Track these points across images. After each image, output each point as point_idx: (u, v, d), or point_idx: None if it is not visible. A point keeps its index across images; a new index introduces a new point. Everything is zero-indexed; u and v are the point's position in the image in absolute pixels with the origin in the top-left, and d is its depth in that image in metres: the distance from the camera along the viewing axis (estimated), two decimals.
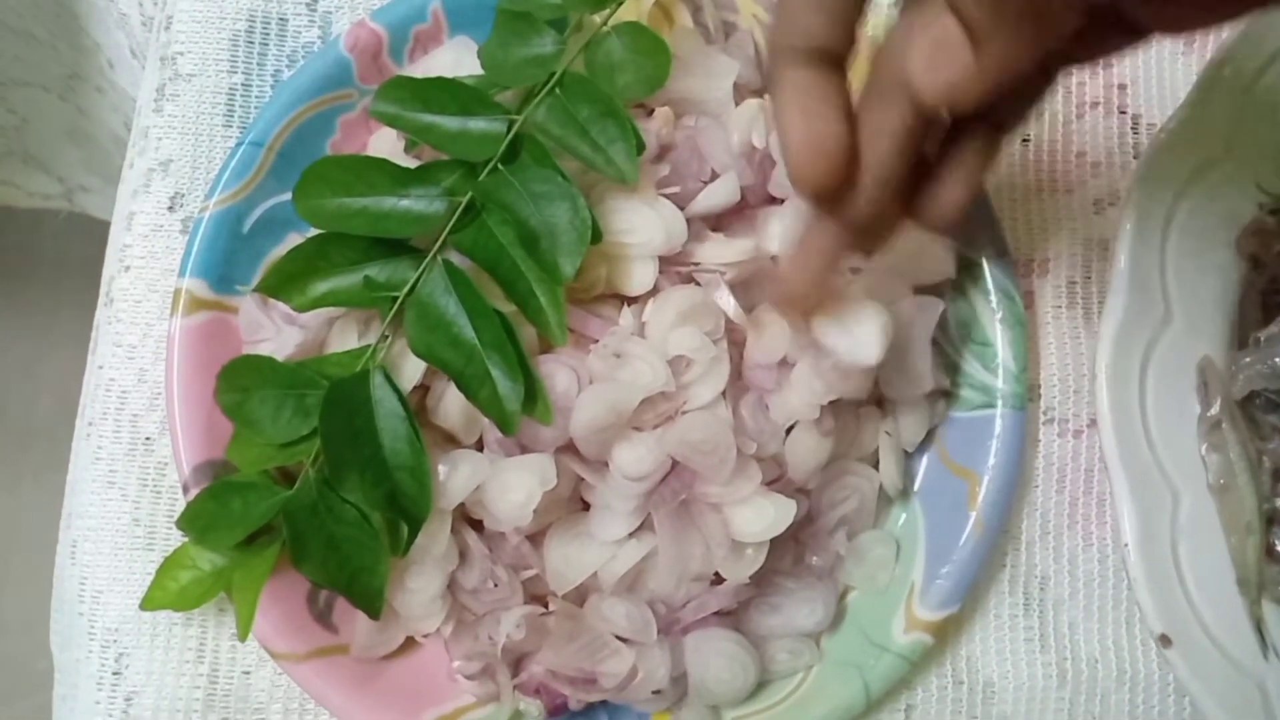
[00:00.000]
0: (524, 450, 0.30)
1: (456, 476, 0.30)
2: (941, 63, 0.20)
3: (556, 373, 0.30)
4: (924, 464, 0.34)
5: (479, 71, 0.34)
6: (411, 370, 0.30)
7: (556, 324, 0.29)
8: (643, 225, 0.31)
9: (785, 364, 0.30)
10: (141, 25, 0.39)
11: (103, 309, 0.35)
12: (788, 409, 0.30)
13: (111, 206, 0.58)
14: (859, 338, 0.30)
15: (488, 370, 0.29)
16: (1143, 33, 0.23)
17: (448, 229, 0.30)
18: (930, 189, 0.25)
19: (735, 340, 0.32)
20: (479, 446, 0.31)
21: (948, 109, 0.21)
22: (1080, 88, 0.38)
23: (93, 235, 0.63)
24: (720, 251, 0.30)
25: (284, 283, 0.31)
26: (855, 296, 0.31)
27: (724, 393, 0.30)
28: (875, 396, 0.33)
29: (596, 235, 0.30)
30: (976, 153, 0.25)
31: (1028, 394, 0.34)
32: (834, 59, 0.23)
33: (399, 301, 0.30)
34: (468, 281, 0.30)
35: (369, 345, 0.30)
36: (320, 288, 0.30)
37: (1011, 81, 0.20)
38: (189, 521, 0.30)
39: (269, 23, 0.36)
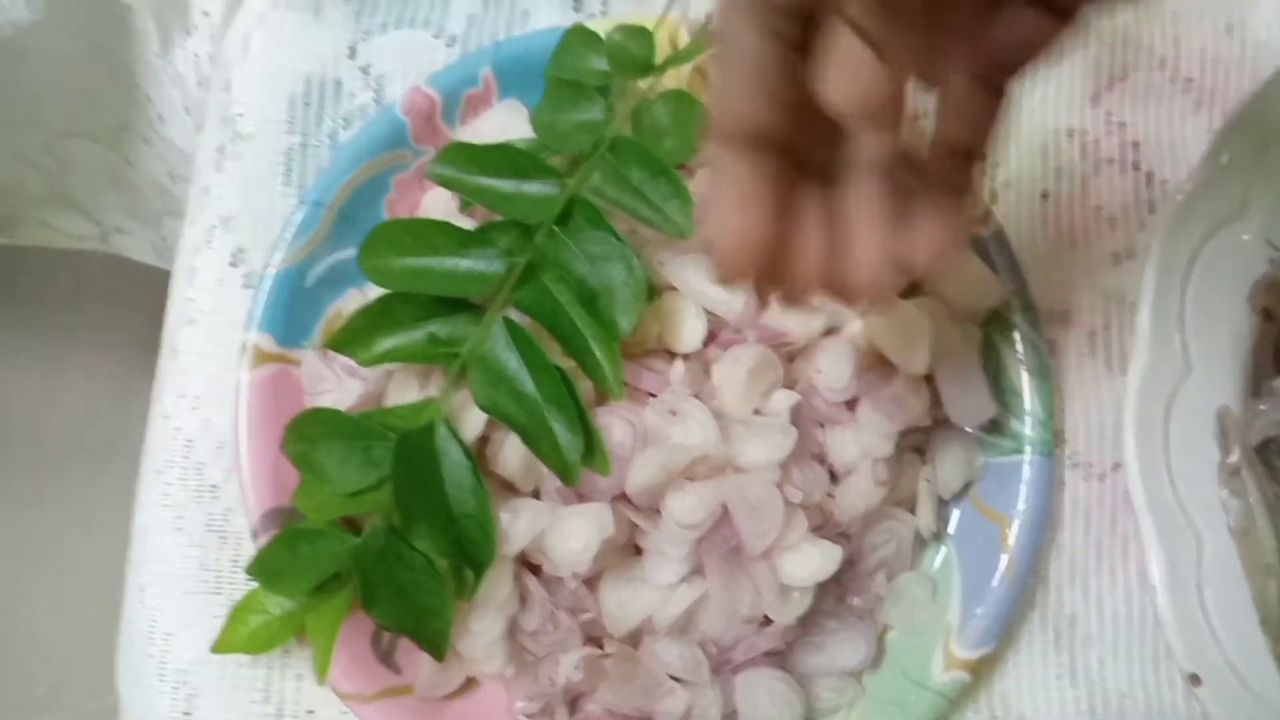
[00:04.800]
0: (581, 499, 0.32)
1: (518, 524, 0.31)
2: (851, 79, 0.20)
3: (613, 425, 0.31)
4: (957, 508, 0.36)
5: (528, 132, 0.36)
6: (473, 422, 0.32)
7: (613, 379, 0.31)
8: (698, 282, 0.32)
9: (848, 405, 0.33)
10: (197, 84, 0.40)
11: (167, 360, 0.36)
12: (858, 447, 0.32)
13: (147, 249, 0.60)
14: (908, 345, 0.33)
15: (549, 424, 0.31)
16: (1064, 10, 0.22)
17: (507, 287, 0.32)
18: (907, 234, 0.24)
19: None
20: (536, 493, 0.33)
21: (869, 123, 0.21)
22: (1096, 145, 0.40)
23: (114, 270, 0.64)
24: (784, 320, 0.32)
25: (351, 339, 0.32)
26: (903, 308, 0.33)
27: None
28: (915, 444, 0.35)
29: (651, 293, 0.32)
30: (950, 190, 0.24)
31: (1054, 440, 0.36)
32: (774, 144, 0.22)
33: (461, 357, 0.32)
34: (528, 338, 0.31)
35: (432, 398, 0.32)
36: (385, 344, 0.32)
37: (932, 82, 0.21)
38: (260, 568, 0.32)
39: (325, 86, 0.38)
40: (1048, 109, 0.40)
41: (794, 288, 0.24)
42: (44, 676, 0.96)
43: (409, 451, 0.31)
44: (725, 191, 0.23)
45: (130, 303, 0.97)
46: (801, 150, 0.23)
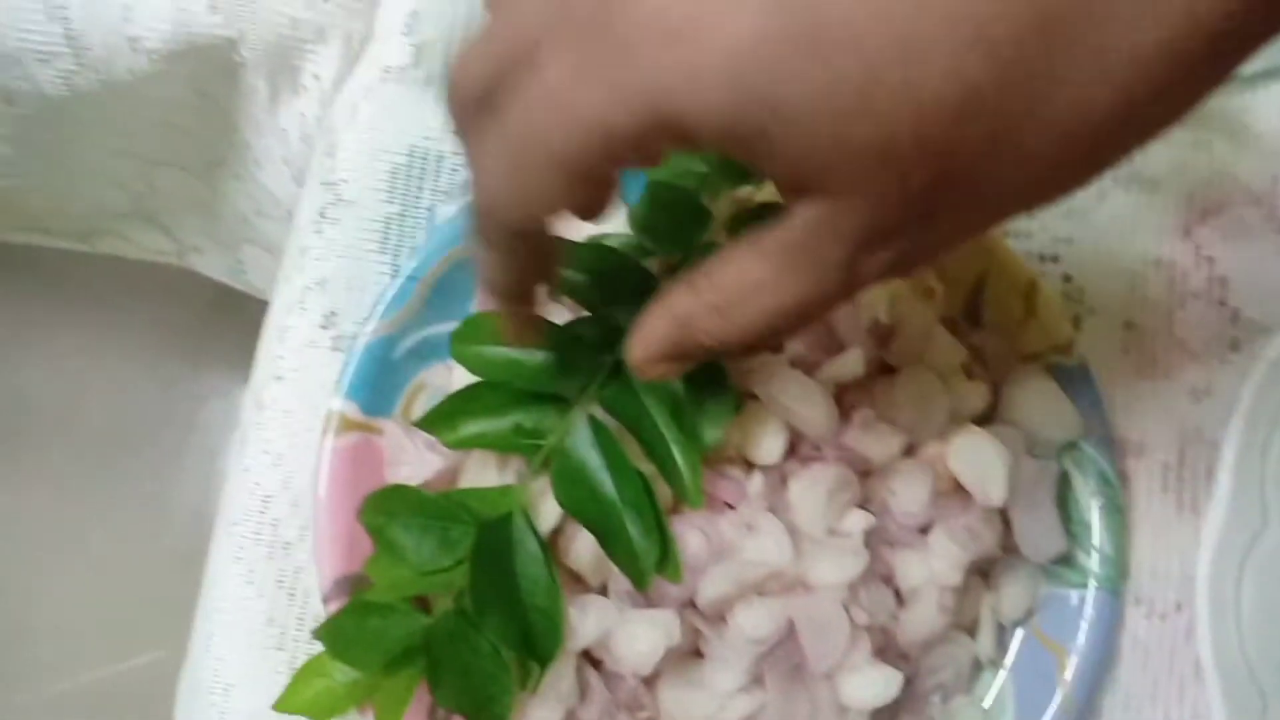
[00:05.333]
0: (650, 603, 0.32)
1: (586, 622, 0.32)
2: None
3: (688, 534, 0.32)
4: (1016, 634, 0.36)
5: (622, 222, 0.36)
6: (549, 513, 0.32)
7: (694, 489, 0.31)
8: (783, 395, 0.33)
9: (920, 530, 0.33)
10: (300, 140, 0.41)
11: (252, 414, 0.37)
12: (927, 572, 0.32)
13: (221, 269, 0.61)
14: (987, 475, 0.33)
15: (625, 527, 0.31)
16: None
17: (594, 385, 0.32)
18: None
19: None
20: (604, 589, 0.33)
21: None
22: (1184, 277, 0.40)
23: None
24: (864, 440, 0.32)
25: (438, 421, 0.33)
26: (982, 435, 0.33)
27: None
28: (980, 568, 0.35)
29: (739, 405, 0.32)
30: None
31: (1121, 577, 0.36)
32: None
33: (544, 450, 0.32)
34: (612, 439, 0.32)
35: (511, 486, 0.32)
36: (471, 429, 0.32)
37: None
38: (329, 636, 0.32)
39: (427, 158, 0.38)
40: (1137, 237, 0.40)
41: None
42: (64, 652, 0.98)
43: (487, 541, 0.31)
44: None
45: (168, 295, 0.99)
46: None
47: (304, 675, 0.33)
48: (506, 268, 0.27)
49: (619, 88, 0.20)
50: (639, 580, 0.31)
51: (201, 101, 0.42)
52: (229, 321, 0.95)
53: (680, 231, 0.34)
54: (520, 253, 0.26)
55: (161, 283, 0.89)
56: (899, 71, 0.18)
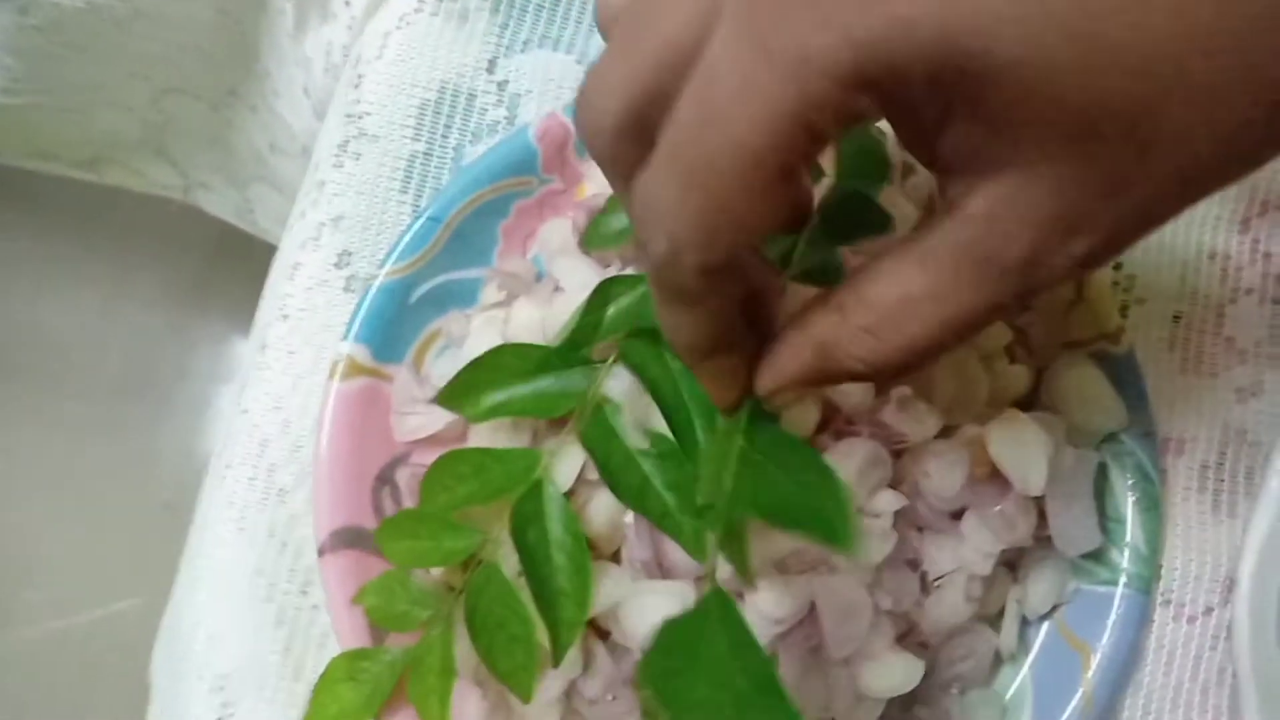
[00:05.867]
0: (665, 572, 0.31)
1: (599, 591, 0.30)
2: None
3: None
4: (1041, 630, 0.35)
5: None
6: (564, 477, 0.31)
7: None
8: None
9: (953, 515, 0.31)
10: (324, 71, 0.39)
11: (254, 354, 0.35)
12: (956, 560, 0.31)
13: (229, 208, 0.59)
14: (1026, 463, 0.31)
15: (658, 492, 0.29)
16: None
17: (607, 367, 0.31)
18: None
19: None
20: (616, 556, 0.32)
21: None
22: (1237, 272, 0.38)
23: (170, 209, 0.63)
24: (900, 417, 0.31)
25: (458, 395, 0.31)
26: (1024, 421, 0.31)
27: None
28: (1008, 558, 0.34)
29: None
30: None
31: (1153, 578, 0.34)
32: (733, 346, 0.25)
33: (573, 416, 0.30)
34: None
35: (534, 450, 0.31)
36: (494, 398, 0.31)
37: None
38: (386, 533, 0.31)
39: (458, 96, 0.36)
40: (1192, 227, 0.38)
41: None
42: (47, 596, 0.97)
43: (523, 510, 0.30)
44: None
45: (185, 241, 0.97)
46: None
47: (324, 688, 0.31)
48: (705, 320, 0.23)
49: (816, 55, 0.18)
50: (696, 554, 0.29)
51: (223, 22, 0.40)
52: (232, 268, 0.94)
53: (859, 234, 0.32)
54: (721, 296, 0.22)
55: (165, 226, 0.87)
56: (1126, 15, 0.16)
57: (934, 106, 0.18)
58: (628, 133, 0.20)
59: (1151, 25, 0.17)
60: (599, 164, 0.22)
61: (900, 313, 0.21)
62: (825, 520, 0.23)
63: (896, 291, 0.21)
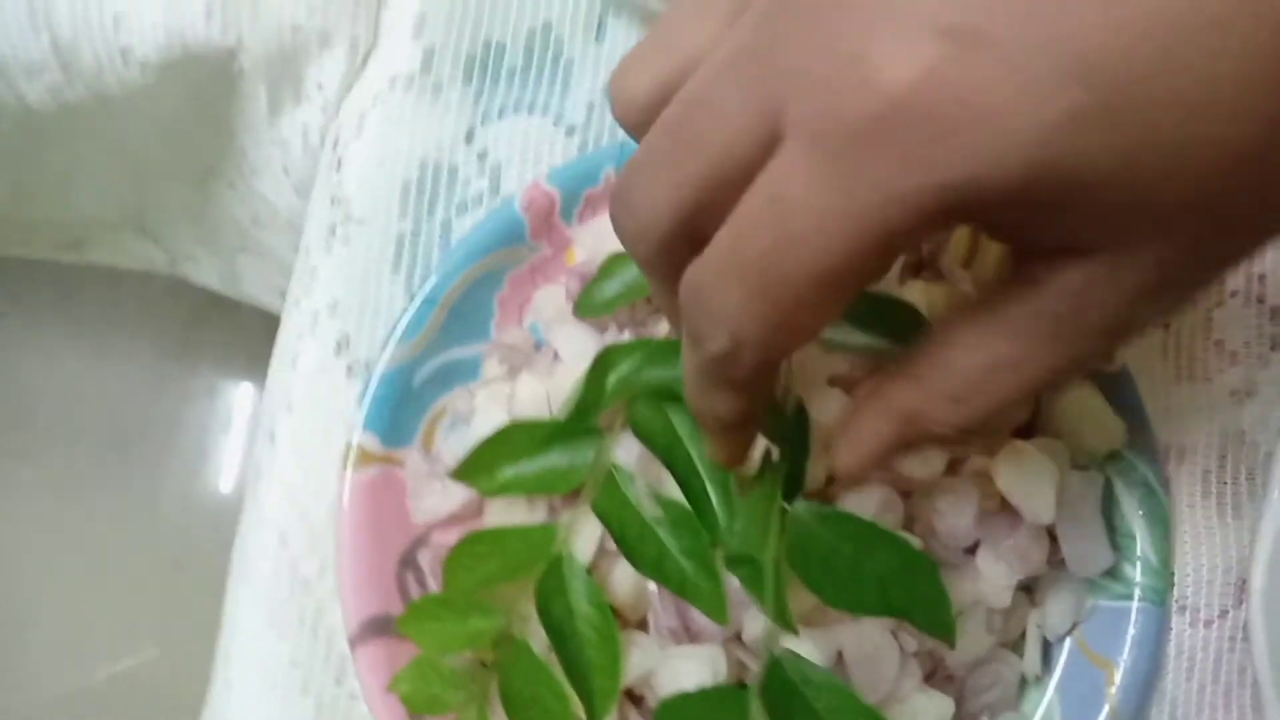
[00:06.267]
0: (692, 636, 0.31)
1: (630, 660, 0.30)
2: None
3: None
4: (1062, 649, 0.35)
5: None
6: (584, 548, 0.31)
7: (726, 524, 0.30)
8: (837, 420, 0.31)
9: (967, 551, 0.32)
10: (302, 152, 0.39)
11: (264, 447, 0.36)
12: (974, 594, 0.31)
13: (214, 277, 0.59)
14: (1035, 493, 0.32)
15: (674, 558, 0.30)
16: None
17: (618, 422, 0.31)
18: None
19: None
20: (643, 624, 0.32)
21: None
22: (1219, 281, 0.38)
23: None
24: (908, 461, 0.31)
25: (475, 470, 0.31)
26: (1029, 452, 0.32)
27: None
28: (1025, 583, 0.34)
29: None
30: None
31: (1167, 588, 0.35)
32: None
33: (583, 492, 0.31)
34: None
35: (551, 524, 0.31)
36: (507, 473, 0.31)
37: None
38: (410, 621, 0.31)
39: (439, 171, 0.37)
40: None
41: None
42: (59, 655, 0.97)
43: (546, 587, 0.30)
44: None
45: (166, 292, 0.97)
46: None
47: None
48: (745, 402, 0.24)
49: (899, 196, 0.18)
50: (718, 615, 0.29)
51: (196, 109, 0.40)
52: (219, 317, 0.93)
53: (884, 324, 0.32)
54: (767, 383, 0.24)
55: (150, 280, 0.87)
56: (1213, 121, 0.17)
57: (1017, 213, 0.19)
58: (675, 241, 0.21)
59: (1226, 138, 0.17)
60: (640, 266, 0.23)
61: (985, 378, 0.22)
62: (925, 608, 0.24)
63: (981, 359, 0.22)
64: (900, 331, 0.31)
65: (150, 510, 0.97)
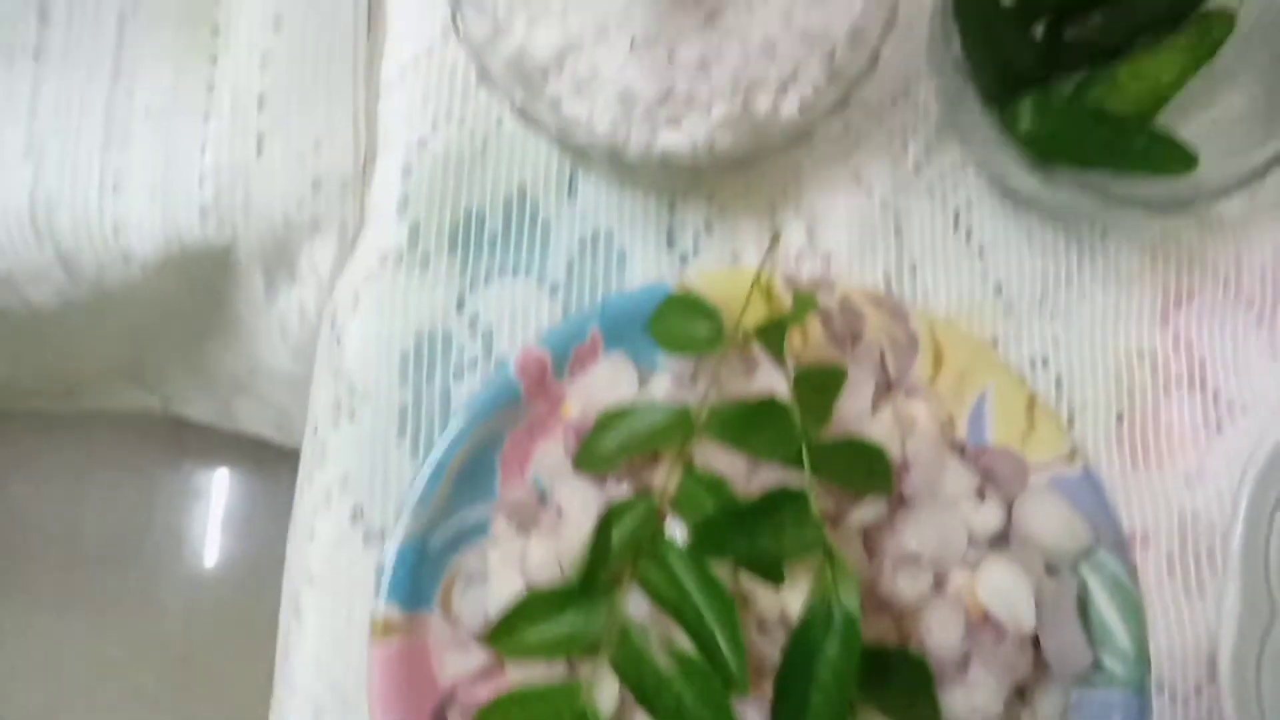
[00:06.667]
0: None
1: None
2: None
3: (748, 714, 0.33)
4: None
5: (635, 385, 0.37)
6: (606, 701, 0.33)
7: (740, 677, 0.32)
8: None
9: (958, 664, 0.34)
10: (299, 325, 0.41)
11: (290, 619, 0.37)
12: (967, 705, 0.34)
13: (209, 414, 0.60)
14: (1016, 605, 0.35)
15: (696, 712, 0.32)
16: None
17: (621, 590, 0.33)
18: None
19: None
20: None
21: None
22: (1166, 365, 0.41)
23: None
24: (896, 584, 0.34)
25: (503, 637, 0.33)
26: (1005, 564, 0.35)
27: None
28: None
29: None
30: None
31: (1146, 674, 0.37)
32: None
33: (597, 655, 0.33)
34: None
35: (573, 683, 0.33)
36: (531, 637, 0.33)
37: None
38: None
39: (435, 340, 0.39)
40: (1120, 330, 0.41)
41: None
42: None
43: None
44: None
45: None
46: None
47: None
48: None
49: None
50: None
51: (194, 294, 0.42)
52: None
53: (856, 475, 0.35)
54: None
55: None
56: None
57: None
58: None
59: None
60: None
61: None
62: None
63: None
64: (872, 479, 0.34)
65: (151, 611, 0.98)
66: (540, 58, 0.35)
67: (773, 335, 0.35)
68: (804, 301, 0.36)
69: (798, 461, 0.33)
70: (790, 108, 0.36)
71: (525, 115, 0.35)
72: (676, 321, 0.37)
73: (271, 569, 0.40)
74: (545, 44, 0.35)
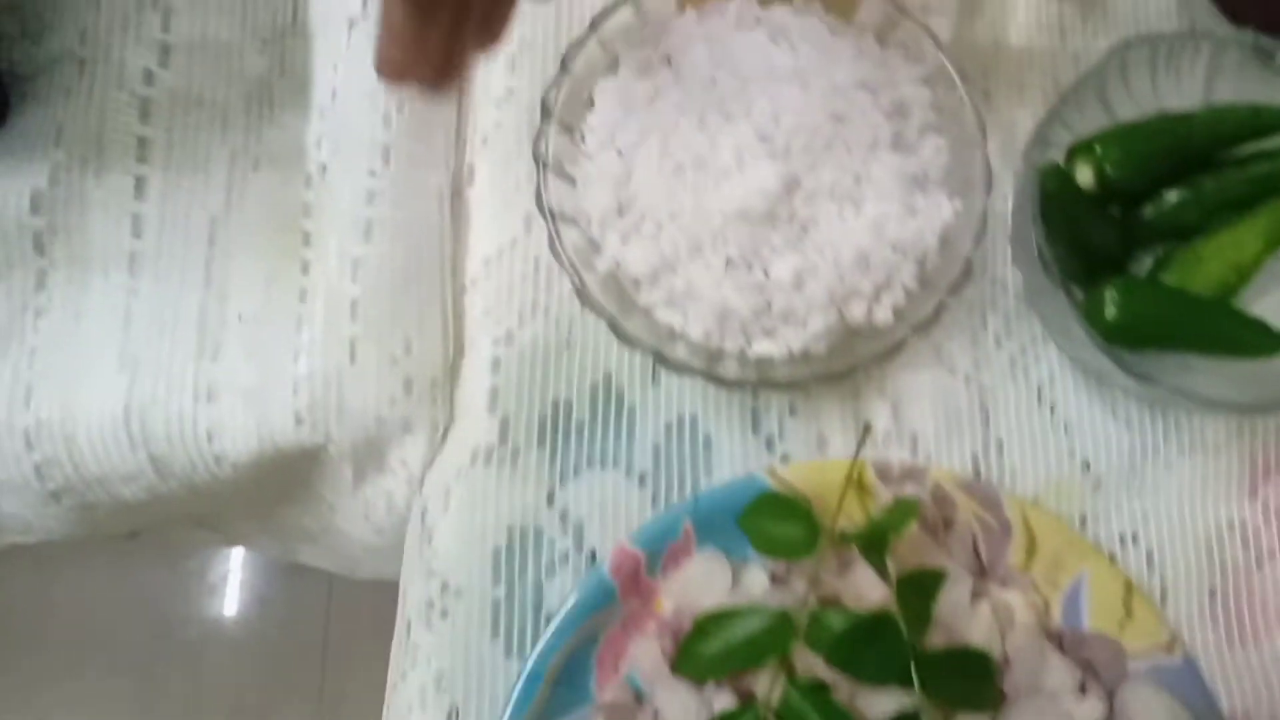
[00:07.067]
0: None
1: None
2: None
3: None
4: None
5: (729, 581, 0.37)
6: None
7: None
8: None
9: None
10: (386, 512, 0.42)
11: None
12: None
13: (270, 551, 0.60)
14: None
15: None
16: None
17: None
18: None
19: None
20: None
21: None
22: (1258, 537, 0.41)
23: None
24: None
25: None
26: None
27: None
28: None
29: None
30: None
31: None
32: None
33: None
34: None
35: None
36: None
37: None
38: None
39: (526, 535, 0.39)
40: (1208, 502, 0.41)
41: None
42: None
43: None
44: (387, 30, 0.28)
45: None
46: None
47: None
48: None
49: None
50: None
51: (282, 485, 0.42)
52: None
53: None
54: None
55: None
56: None
57: None
58: None
59: None
60: None
61: None
62: None
63: None
64: (980, 694, 0.34)
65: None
66: (635, 273, 0.35)
67: (873, 545, 0.35)
68: (905, 508, 0.36)
69: (906, 679, 0.33)
70: (885, 314, 0.36)
71: (619, 332, 0.35)
72: (770, 522, 0.37)
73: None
74: (640, 261, 0.35)
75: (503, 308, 0.40)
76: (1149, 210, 0.41)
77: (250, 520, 0.54)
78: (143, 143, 0.39)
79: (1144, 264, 0.41)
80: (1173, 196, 0.40)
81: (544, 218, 0.35)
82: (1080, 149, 0.40)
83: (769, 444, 0.40)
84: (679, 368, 0.34)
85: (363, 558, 0.49)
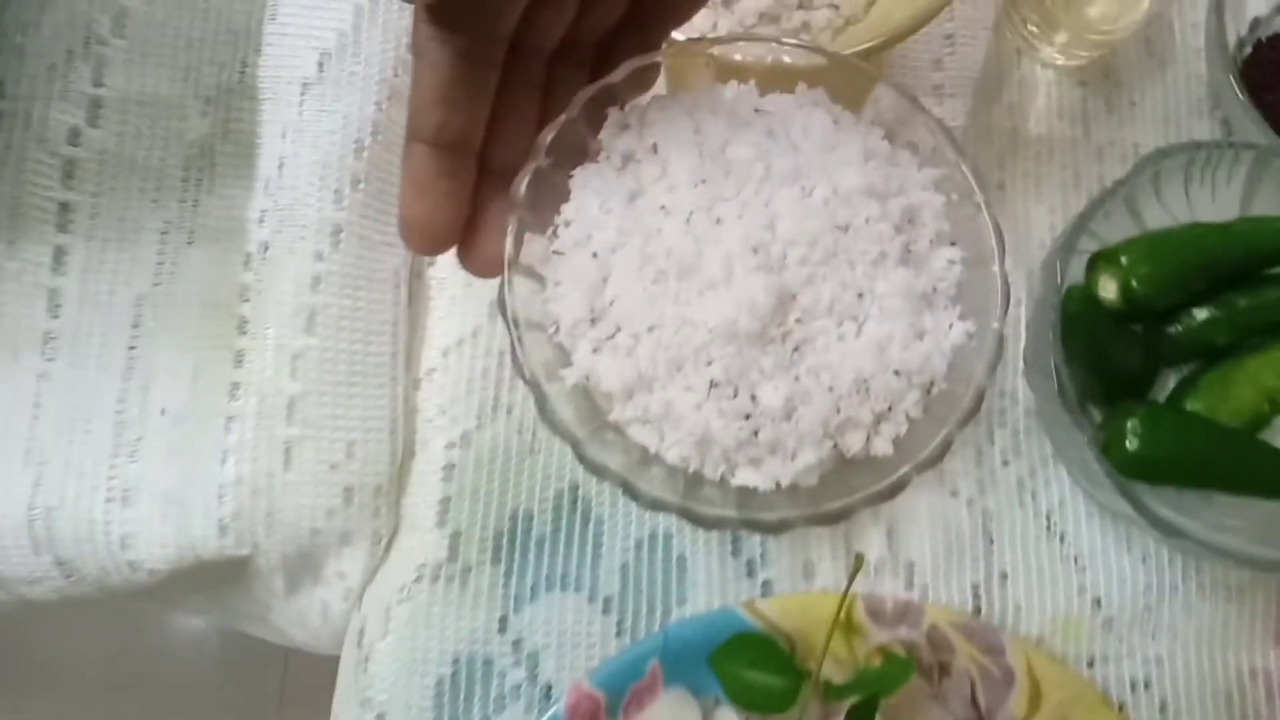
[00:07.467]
0: None
1: None
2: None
3: None
4: None
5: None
6: None
7: None
8: None
9: None
10: (321, 621, 0.37)
11: None
12: None
13: (216, 620, 0.56)
14: None
15: None
16: None
17: None
18: None
19: None
20: None
21: None
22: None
23: None
24: None
25: None
26: None
27: None
28: None
29: None
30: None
31: None
32: (463, 147, 0.25)
33: None
34: None
35: None
36: None
37: None
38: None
39: (474, 665, 0.35)
40: (1228, 649, 0.38)
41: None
42: None
43: None
44: (411, 182, 0.25)
45: None
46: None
47: None
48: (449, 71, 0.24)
49: None
50: None
51: (207, 594, 0.38)
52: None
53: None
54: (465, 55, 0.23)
55: None
56: None
57: None
58: None
59: None
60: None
61: None
62: None
63: None
64: None
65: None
66: (607, 388, 0.32)
67: (862, 711, 0.31)
68: (899, 669, 0.32)
69: None
70: (884, 446, 0.32)
71: (584, 459, 0.31)
72: (746, 668, 0.33)
73: None
74: (613, 375, 0.31)
75: (460, 406, 0.36)
76: (1175, 328, 0.37)
77: (192, 600, 0.50)
78: (65, 208, 0.35)
79: (1167, 384, 0.38)
80: (1202, 314, 0.37)
81: (506, 324, 0.31)
82: (1104, 258, 0.36)
83: (750, 569, 0.37)
84: (651, 504, 0.30)
85: (312, 645, 0.44)
